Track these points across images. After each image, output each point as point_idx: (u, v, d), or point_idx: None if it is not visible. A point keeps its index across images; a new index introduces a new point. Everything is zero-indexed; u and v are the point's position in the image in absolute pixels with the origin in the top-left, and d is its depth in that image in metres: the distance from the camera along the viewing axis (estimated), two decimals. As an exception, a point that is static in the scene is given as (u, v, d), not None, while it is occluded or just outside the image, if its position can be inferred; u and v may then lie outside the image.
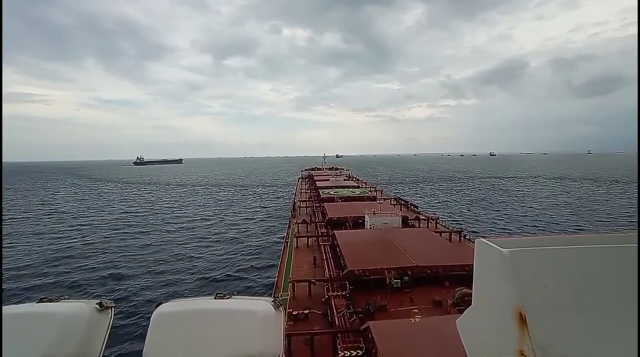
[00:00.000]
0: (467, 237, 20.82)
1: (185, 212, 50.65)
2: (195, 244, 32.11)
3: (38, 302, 1.64)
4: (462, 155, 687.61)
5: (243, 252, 29.04)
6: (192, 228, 39.27)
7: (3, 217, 43.64)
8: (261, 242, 32.49)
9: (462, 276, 12.79)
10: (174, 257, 27.73)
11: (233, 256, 28.16)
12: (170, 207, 56.04)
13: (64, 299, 1.69)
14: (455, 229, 21.92)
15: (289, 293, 13.28)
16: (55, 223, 43.06)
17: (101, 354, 1.59)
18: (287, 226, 26.09)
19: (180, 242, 32.60)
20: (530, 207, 51.72)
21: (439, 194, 70.48)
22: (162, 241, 33.14)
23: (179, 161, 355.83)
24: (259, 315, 1.52)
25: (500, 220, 42.58)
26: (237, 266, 25.53)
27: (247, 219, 44.80)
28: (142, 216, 48.13)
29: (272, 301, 1.66)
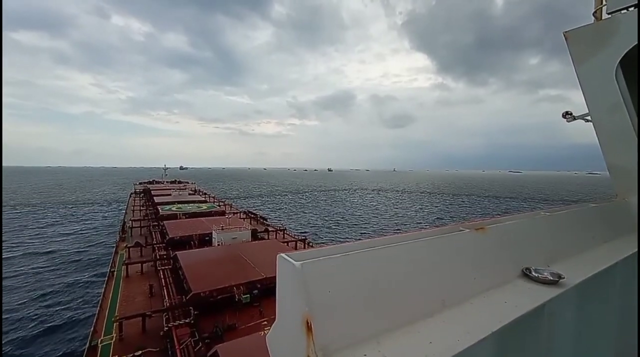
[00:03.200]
0: (311, 244, 22.99)
1: None
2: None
3: None
4: (305, 170, 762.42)
5: (42, 291, 21.63)
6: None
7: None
8: (73, 275, 25.14)
9: None
10: None
11: (23, 298, 20.57)
12: None
13: None
14: (300, 238, 23.78)
15: (114, 335, 10.83)
16: None
17: None
18: (113, 251, 21.41)
19: None
20: (358, 213, 62.54)
21: (286, 205, 75.18)
22: None
23: None
24: None
25: (337, 227, 49.32)
26: (29, 312, 18.76)
27: (52, 246, 33.87)
28: None
29: None
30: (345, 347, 1.29)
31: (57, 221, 50.90)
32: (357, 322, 1.37)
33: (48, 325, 17.74)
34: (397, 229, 47.63)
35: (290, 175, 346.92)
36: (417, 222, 53.51)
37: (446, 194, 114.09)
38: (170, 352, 9.78)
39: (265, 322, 11.64)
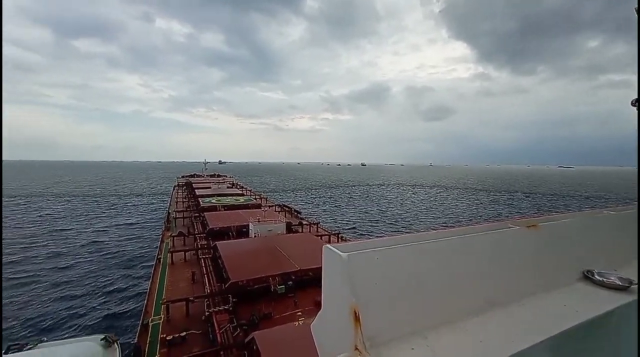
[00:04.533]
0: (344, 238, 22.98)
1: (7, 231, 38.29)
2: (22, 269, 24.60)
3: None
4: (339, 165, 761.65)
5: (100, 275, 23.92)
6: (19, 251, 29.98)
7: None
8: (126, 260, 27.54)
9: None
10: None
11: (84, 279, 22.87)
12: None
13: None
14: (333, 232, 23.88)
15: (162, 316, 11.69)
16: None
17: None
18: (159, 240, 23.01)
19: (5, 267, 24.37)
20: (392, 209, 61.40)
21: (319, 199, 75.78)
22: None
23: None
24: None
25: (371, 222, 48.85)
26: (90, 293, 20.85)
27: (108, 234, 37.27)
28: None
29: (102, 339, 1.45)
30: (392, 340, 1.30)
31: (113, 211, 55.80)
32: (404, 316, 1.38)
33: (108, 302, 19.64)
34: (434, 226, 46.13)
35: (323, 169, 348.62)
36: (456, 220, 51.40)
37: (487, 190, 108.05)
38: (211, 336, 10.35)
39: (300, 313, 11.89)
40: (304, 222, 28.09)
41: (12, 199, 70.29)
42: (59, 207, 59.44)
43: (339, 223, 45.90)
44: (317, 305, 12.45)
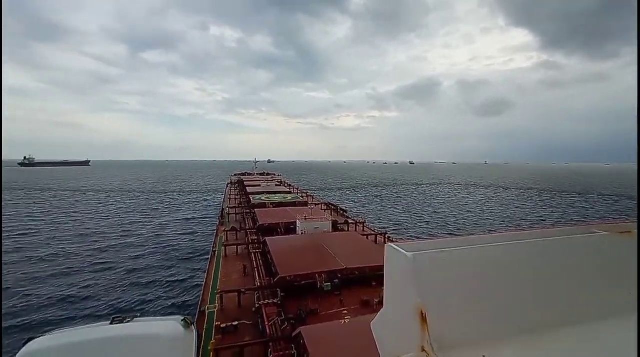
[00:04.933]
0: (391, 238, 22.44)
1: (91, 222, 43.97)
2: (104, 256, 28.03)
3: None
4: (385, 163, 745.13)
5: (164, 264, 26.40)
6: (101, 239, 34.24)
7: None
8: (185, 251, 30.01)
9: None
10: (75, 274, 23.73)
11: (152, 268, 25.39)
12: (72, 217, 48.00)
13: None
14: (380, 232, 23.42)
15: (217, 305, 12.50)
16: None
17: None
18: (214, 234, 24.60)
19: (84, 256, 28.09)
20: (443, 210, 58.44)
21: (365, 198, 74.93)
22: (59, 256, 28.09)
23: (86, 163, 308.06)
24: (163, 339, 1.41)
25: (420, 222, 47.10)
26: (156, 280, 23.06)
27: (170, 227, 40.98)
28: (31, 229, 40.20)
29: (182, 320, 1.54)
30: (461, 344, 1.25)
31: (173, 206, 61.12)
32: (473, 321, 1.31)
33: (171, 289, 21.59)
34: (494, 229, 42.92)
35: (369, 168, 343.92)
36: (517, 223, 47.25)
37: (553, 191, 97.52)
38: (260, 327, 10.79)
39: (346, 312, 11.88)
40: (350, 221, 27.98)
41: (96, 193, 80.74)
42: (130, 202, 66.77)
43: (386, 223, 44.93)
44: (364, 305, 12.33)
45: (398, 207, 61.28)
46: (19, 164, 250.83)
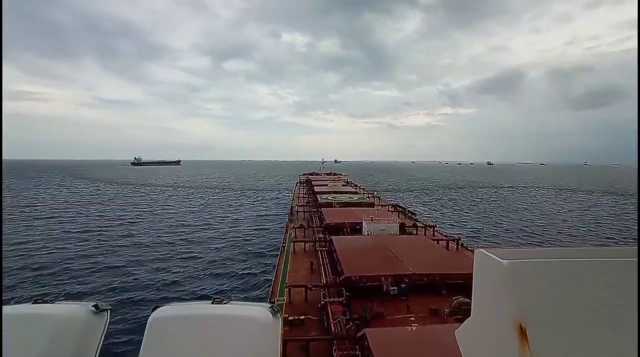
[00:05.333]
0: (465, 245, 20.78)
1: (181, 215, 50.36)
2: (191, 247, 31.84)
3: (33, 303, 1.60)
4: (459, 164, 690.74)
5: (239, 256, 28.81)
6: (188, 231, 38.99)
7: (3, 218, 42.27)
8: (258, 246, 32.28)
9: (460, 285, 12.72)
10: (169, 260, 27.46)
11: (229, 259, 27.92)
12: (166, 210, 55.68)
13: (59, 301, 1.64)
14: (452, 237, 21.88)
15: (285, 298, 13.16)
16: (52, 224, 42.67)
17: None
18: (284, 230, 25.94)
19: (175, 245, 32.34)
20: (530, 218, 51.77)
21: (436, 201, 70.62)
22: (157, 243, 32.85)
23: (177, 163, 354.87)
24: (256, 321, 1.49)
25: (499, 230, 42.61)
26: (232, 270, 25.30)
27: (244, 222, 44.57)
28: (138, 218, 47.77)
29: (270, 307, 1.62)
30: None
31: (248, 203, 66.25)
32: (579, 342, 1.15)
33: (244, 279, 23.50)
34: (601, 242, 36.64)
35: (441, 169, 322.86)
36: (629, 239, 39.38)
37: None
38: (325, 324, 11.03)
39: (413, 318, 11.41)
40: (419, 225, 26.75)
41: (185, 189, 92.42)
42: (211, 198, 74.56)
43: (459, 229, 41.68)
44: (432, 313, 11.71)
45: (474, 212, 56.31)
46: (131, 163, 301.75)
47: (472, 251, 19.50)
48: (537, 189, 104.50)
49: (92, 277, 23.49)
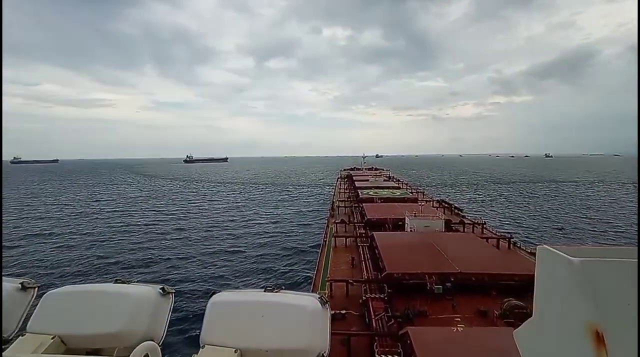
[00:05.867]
0: (518, 244, 19.35)
1: (227, 210, 53.25)
2: (237, 241, 33.62)
3: (114, 282, 1.87)
4: (512, 157, 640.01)
5: (281, 251, 29.74)
6: (234, 226, 41.17)
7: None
8: (300, 239, 33.08)
9: (511, 286, 11.96)
10: (217, 254, 29.19)
11: (272, 254, 28.97)
12: (216, 204, 59.29)
13: (135, 282, 1.90)
14: (503, 236, 20.50)
15: (326, 292, 13.38)
16: (117, 217, 47.78)
17: (164, 335, 1.76)
18: (325, 225, 26.27)
19: (223, 239, 34.34)
20: (598, 217, 46.52)
21: (486, 197, 66.34)
22: (206, 238, 35.17)
23: (225, 160, 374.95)
24: (307, 310, 1.56)
25: (559, 230, 38.89)
26: (275, 265, 26.25)
27: (286, 217, 45.85)
28: (188, 212, 51.49)
29: (319, 298, 1.69)
30: None
31: (290, 198, 67.97)
32: None
33: (286, 273, 24.32)
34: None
35: (491, 162, 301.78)
36: None
37: None
38: (367, 320, 11.05)
39: (459, 319, 10.97)
40: (466, 221, 25.42)
41: (232, 185, 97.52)
42: (255, 193, 77.70)
43: (512, 227, 38.80)
44: (480, 315, 11.16)
45: (527, 210, 51.98)
46: (183, 161, 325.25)
47: (526, 251, 18.10)
48: (608, 184, 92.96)
49: (150, 268, 25.97)
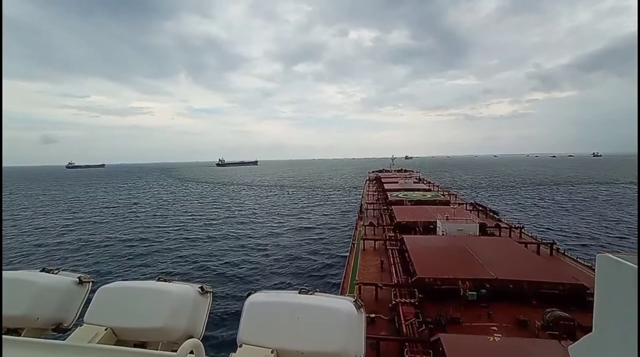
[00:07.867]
0: (561, 250, 18.10)
1: (257, 212, 54.51)
2: (266, 242, 34.29)
3: (157, 280, 2.01)
4: (553, 157, 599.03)
5: (311, 251, 29.94)
6: (263, 228, 42.05)
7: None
8: (329, 241, 33.10)
9: (554, 296, 11.21)
10: (248, 255, 29.96)
11: (302, 253, 29.26)
12: (244, 207, 60.91)
13: (175, 280, 2.03)
14: (544, 241, 19.25)
15: (355, 295, 13.30)
16: (156, 218, 50.58)
17: (203, 332, 1.87)
18: (354, 227, 26.12)
19: (253, 239, 35.21)
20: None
21: (524, 200, 62.60)
22: (237, 238, 36.26)
23: (255, 163, 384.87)
24: (342, 313, 1.58)
25: (609, 236, 35.80)
26: (305, 264, 26.46)
27: (314, 219, 46.10)
28: (221, 214, 53.33)
29: (354, 301, 1.71)
30: None
31: (318, 201, 68.28)
32: None
33: (315, 275, 24.42)
34: None
35: (529, 162, 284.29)
36: None
37: None
38: (396, 325, 10.84)
39: (495, 328, 10.45)
40: (503, 225, 24.18)
41: (260, 187, 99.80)
42: (283, 195, 78.89)
43: (551, 232, 36.26)
44: (519, 324, 10.57)
45: (570, 213, 48.38)
46: (216, 164, 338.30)
47: (572, 258, 16.81)
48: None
49: (186, 266, 27.19)
